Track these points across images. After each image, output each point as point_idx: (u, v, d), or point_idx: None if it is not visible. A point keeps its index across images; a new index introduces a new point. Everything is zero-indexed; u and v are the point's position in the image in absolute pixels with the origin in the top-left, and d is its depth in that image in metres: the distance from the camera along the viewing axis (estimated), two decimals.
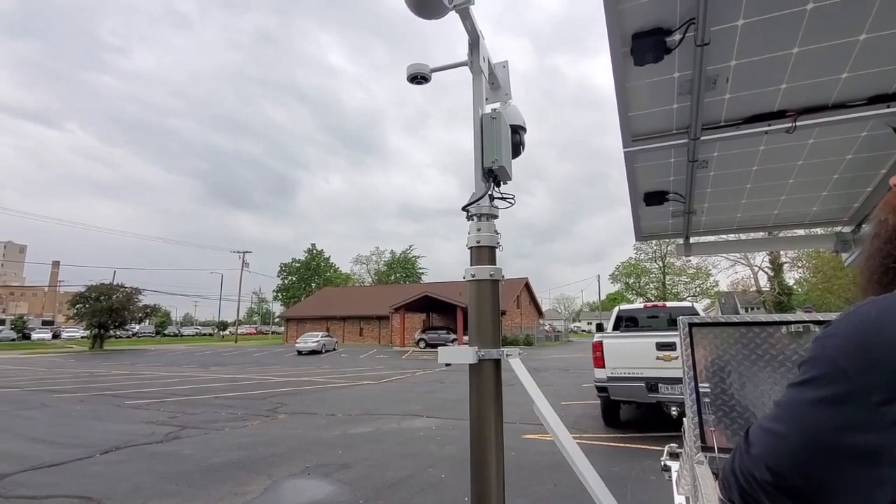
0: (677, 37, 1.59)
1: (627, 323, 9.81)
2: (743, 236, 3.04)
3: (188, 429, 8.18)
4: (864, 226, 2.59)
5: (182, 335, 70.31)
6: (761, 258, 43.85)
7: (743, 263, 44.59)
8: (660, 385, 6.84)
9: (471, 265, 2.39)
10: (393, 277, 72.07)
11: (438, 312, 39.83)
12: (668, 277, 53.95)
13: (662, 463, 3.35)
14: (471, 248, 2.38)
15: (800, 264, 41.49)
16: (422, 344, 35.38)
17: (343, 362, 24.69)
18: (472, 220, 2.39)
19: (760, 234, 3.08)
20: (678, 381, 6.74)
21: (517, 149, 2.81)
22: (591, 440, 7.10)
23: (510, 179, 2.54)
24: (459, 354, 2.31)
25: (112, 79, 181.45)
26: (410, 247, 76.35)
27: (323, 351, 31.63)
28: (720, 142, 2.07)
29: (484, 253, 2.34)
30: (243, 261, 57.53)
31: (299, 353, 30.74)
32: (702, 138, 1.98)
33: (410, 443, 7.17)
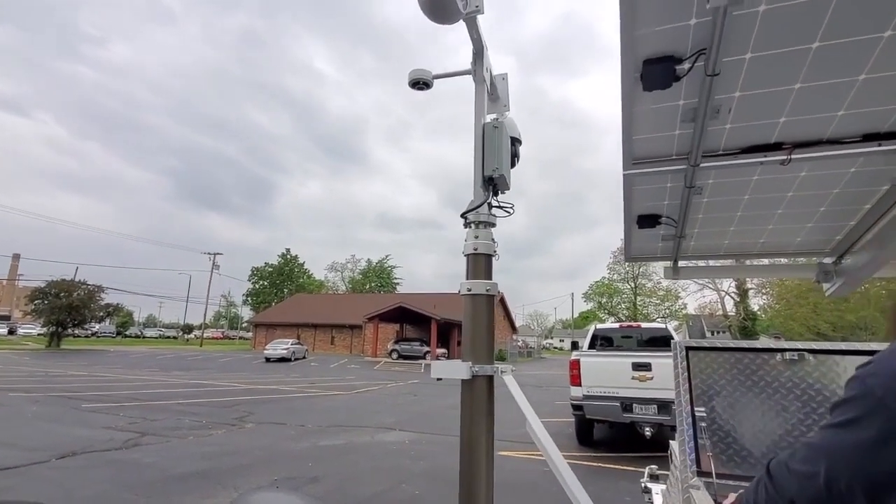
0: (687, 66, 1.62)
1: (602, 342, 9.92)
2: (727, 262, 3.11)
3: (149, 436, 7.84)
4: (845, 257, 2.68)
5: (144, 337, 67.79)
6: (728, 284, 45.28)
7: (711, 287, 45.96)
8: (634, 405, 6.90)
9: (467, 273, 2.36)
10: (368, 286, 71.37)
11: (412, 324, 39.57)
12: (639, 298, 55.09)
13: (643, 485, 3.36)
14: (467, 256, 2.35)
15: (764, 291, 42.96)
16: (394, 355, 35.02)
17: (313, 371, 24.20)
18: (470, 227, 2.37)
19: (745, 262, 3.16)
20: (652, 401, 6.82)
21: (512, 160, 2.83)
22: (566, 459, 7.10)
23: (508, 189, 2.54)
24: (453, 369, 2.27)
25: (88, 70, 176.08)
26: (387, 256, 75.87)
27: (292, 359, 30.96)
28: (716, 169, 2.12)
29: (480, 260, 2.31)
30: (213, 262, 56.17)
31: (268, 360, 30.01)
32: (701, 165, 2.02)
33: (383, 457, 7.03)
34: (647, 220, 2.67)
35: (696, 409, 1.77)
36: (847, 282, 2.63)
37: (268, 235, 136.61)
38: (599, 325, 10.32)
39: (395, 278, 74.22)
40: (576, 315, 70.84)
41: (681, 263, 3.03)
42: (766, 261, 3.08)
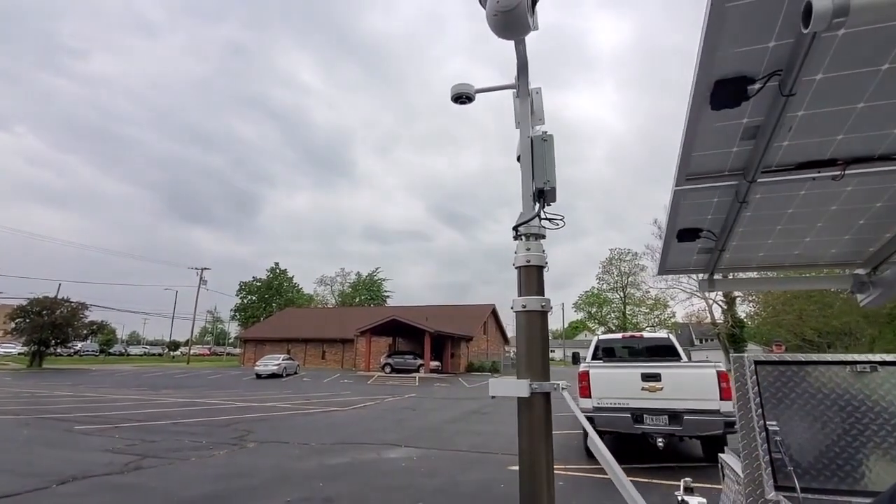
0: (758, 86, 1.66)
1: (606, 353, 9.96)
2: (761, 274, 3.14)
3: (150, 458, 7.62)
4: (881, 269, 2.74)
5: (129, 354, 66.23)
6: (716, 292, 45.87)
7: (699, 296, 46.50)
8: (645, 416, 6.91)
9: (519, 285, 2.35)
10: (358, 300, 70.86)
11: (405, 337, 39.33)
12: (628, 308, 55.54)
13: (679, 498, 3.34)
14: (519, 268, 2.35)
15: (751, 298, 43.54)
16: (387, 369, 34.70)
17: (306, 387, 23.85)
18: (521, 239, 2.37)
19: (779, 273, 3.20)
20: (663, 412, 6.84)
21: None
22: (575, 471, 7.07)
23: (555, 201, 2.55)
24: (511, 388, 2.25)
25: (68, 82, 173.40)
26: (377, 269, 75.39)
27: (284, 375, 30.49)
28: (767, 185, 2.16)
29: (533, 273, 2.31)
30: (201, 278, 55.35)
31: (258, 376, 29.51)
32: (758, 181, 2.06)
33: (393, 474, 6.92)
34: (688, 234, 2.70)
35: (768, 423, 1.78)
36: (884, 293, 2.68)
37: (255, 249, 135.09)
38: (602, 336, 10.37)
39: (386, 291, 73.89)
40: (565, 325, 71.07)
41: (716, 276, 3.07)
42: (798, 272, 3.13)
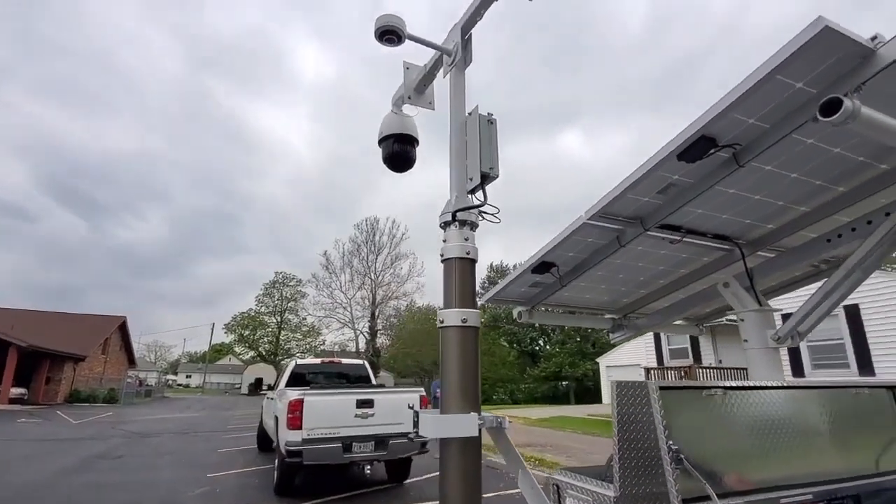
0: (713, 150, 1.95)
1: (300, 379, 9.48)
2: (561, 311, 3.66)
3: None
4: (631, 316, 3.62)
5: None
6: (363, 323, 51.40)
7: (350, 327, 50.99)
8: (354, 444, 6.82)
9: (451, 285, 1.98)
10: None
11: None
12: (283, 333, 55.37)
13: None
14: (451, 260, 2.01)
15: (387, 333, 50.87)
16: None
17: None
18: (454, 226, 2.05)
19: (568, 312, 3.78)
20: (371, 438, 6.92)
21: (411, 162, 2.61)
22: None
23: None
24: (455, 426, 1.81)
25: None
26: None
27: None
28: (641, 237, 2.55)
29: (468, 268, 2.01)
30: None
31: None
32: (647, 232, 2.40)
33: None
34: (543, 267, 2.88)
35: (668, 442, 2.00)
36: (632, 335, 3.55)
37: None
38: (300, 361, 9.85)
39: None
40: (207, 348, 64.55)
41: (538, 309, 3.37)
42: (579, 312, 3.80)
